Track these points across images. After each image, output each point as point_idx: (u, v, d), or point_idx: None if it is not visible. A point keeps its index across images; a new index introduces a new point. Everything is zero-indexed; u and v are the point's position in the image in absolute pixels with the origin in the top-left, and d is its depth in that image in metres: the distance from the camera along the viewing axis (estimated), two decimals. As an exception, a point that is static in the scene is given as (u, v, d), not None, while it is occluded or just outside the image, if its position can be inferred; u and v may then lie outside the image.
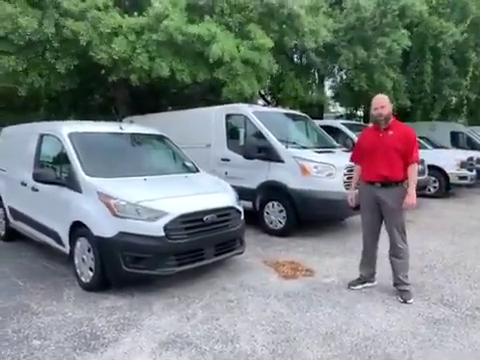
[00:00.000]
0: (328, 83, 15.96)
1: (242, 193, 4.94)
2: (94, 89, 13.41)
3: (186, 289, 3.87)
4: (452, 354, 2.78)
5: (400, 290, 3.67)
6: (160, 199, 3.80)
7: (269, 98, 16.50)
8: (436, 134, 12.15)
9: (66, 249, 4.14)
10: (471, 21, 12.99)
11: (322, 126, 8.02)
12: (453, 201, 9.54)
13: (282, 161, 5.90)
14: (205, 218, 3.88)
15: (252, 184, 6.13)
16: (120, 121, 9.10)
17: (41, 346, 2.86)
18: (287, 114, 7.60)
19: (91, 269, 3.77)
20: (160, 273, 3.67)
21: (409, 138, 3.57)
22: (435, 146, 10.99)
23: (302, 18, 8.91)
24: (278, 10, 8.77)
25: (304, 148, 6.24)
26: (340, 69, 13.97)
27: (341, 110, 20.89)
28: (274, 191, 6.01)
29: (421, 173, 7.78)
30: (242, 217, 4.45)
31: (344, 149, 6.95)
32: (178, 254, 3.74)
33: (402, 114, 12.49)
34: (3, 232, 5.73)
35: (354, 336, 3.00)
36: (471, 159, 9.88)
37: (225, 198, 4.33)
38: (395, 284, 3.73)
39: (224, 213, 4.15)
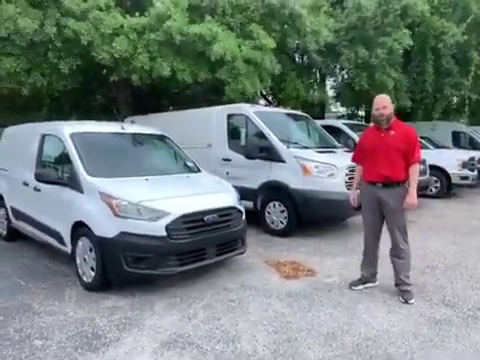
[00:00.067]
0: (329, 83, 15.96)
1: (243, 193, 4.94)
2: (96, 89, 13.44)
3: (188, 289, 3.88)
4: (454, 354, 2.78)
5: (401, 290, 3.66)
6: (162, 199, 3.80)
7: (270, 98, 16.49)
8: (437, 134, 12.12)
9: (68, 249, 4.15)
10: (472, 20, 12.95)
11: (323, 126, 8.02)
12: (455, 201, 9.52)
13: (283, 161, 5.90)
14: (206, 218, 3.88)
15: (253, 184, 6.13)
16: (122, 121, 9.11)
17: (43, 346, 2.87)
18: (288, 114, 7.60)
19: (93, 269, 3.77)
20: (162, 273, 3.68)
21: (411, 138, 3.56)
22: (437, 146, 10.97)
23: (304, 18, 8.90)
24: (279, 10, 8.77)
25: (305, 148, 6.24)
26: (341, 69, 13.96)
27: (342, 110, 20.85)
28: (275, 191, 6.01)
29: (423, 173, 7.77)
30: (243, 217, 4.46)
31: (345, 149, 6.94)
32: (180, 254, 3.74)
33: (403, 114, 12.46)
34: (5, 232, 5.74)
35: (355, 336, 3.00)
36: (473, 159, 9.87)
37: (226, 198, 4.34)
38: (396, 284, 3.72)
39: (225, 213, 4.15)
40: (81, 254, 3.92)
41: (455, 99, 16.26)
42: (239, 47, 8.30)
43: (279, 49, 9.36)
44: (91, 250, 3.78)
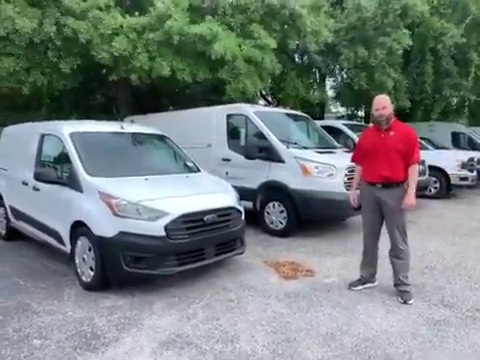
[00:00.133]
0: (329, 83, 15.97)
1: (243, 193, 4.94)
2: (95, 89, 13.45)
3: (187, 289, 3.88)
4: (452, 355, 2.78)
5: (400, 291, 3.66)
6: (161, 199, 3.80)
7: (270, 98, 16.50)
8: (437, 135, 12.14)
9: (67, 248, 4.14)
10: (471, 21, 12.96)
11: (323, 126, 8.02)
12: (454, 202, 9.52)
13: (283, 161, 5.90)
14: (206, 218, 3.88)
15: (253, 184, 6.13)
16: (121, 121, 9.11)
17: (42, 345, 2.87)
18: (288, 114, 7.60)
19: (92, 268, 3.77)
20: (161, 273, 3.68)
21: (410, 139, 3.56)
22: (436, 147, 10.98)
23: (304, 18, 8.91)
24: (280, 11, 8.77)
25: (305, 148, 6.24)
26: (341, 69, 13.97)
27: (342, 110, 20.88)
28: (275, 191, 6.01)
29: (422, 174, 7.78)
30: (243, 217, 4.46)
31: (345, 149, 6.95)
32: (179, 254, 3.74)
33: (402, 114, 12.47)
34: (4, 231, 5.74)
35: (354, 336, 3.00)
36: (472, 160, 9.87)
37: (226, 198, 4.34)
38: (395, 285, 3.73)
39: (225, 213, 4.15)
40: (80, 254, 3.92)
41: (454, 100, 16.26)
42: (239, 46, 8.31)
43: (279, 49, 9.37)
44: (90, 250, 3.77)
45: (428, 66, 13.20)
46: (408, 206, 3.53)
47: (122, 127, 4.99)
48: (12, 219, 5.43)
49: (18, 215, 5.22)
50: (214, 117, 6.89)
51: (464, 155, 10.13)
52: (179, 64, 8.40)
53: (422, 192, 8.02)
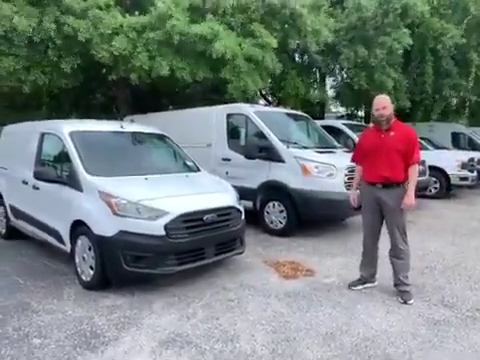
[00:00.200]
0: (329, 82, 15.96)
1: (243, 193, 4.94)
2: (95, 88, 13.43)
3: (186, 288, 3.88)
4: (452, 355, 2.78)
5: (400, 291, 3.66)
6: (161, 198, 3.80)
7: (270, 98, 16.49)
8: (437, 135, 12.14)
9: (67, 248, 4.14)
10: (471, 21, 12.95)
11: (323, 126, 8.02)
12: (454, 202, 9.53)
13: (283, 161, 5.90)
14: (205, 217, 3.88)
15: (253, 184, 6.13)
16: (121, 120, 9.10)
17: (41, 344, 2.87)
18: (288, 114, 7.60)
19: (92, 268, 3.77)
20: (160, 272, 3.68)
21: (410, 139, 3.56)
22: (436, 147, 10.99)
23: (304, 17, 8.90)
24: (280, 10, 8.77)
25: (305, 148, 6.24)
26: (341, 68, 13.96)
27: (342, 110, 20.87)
28: (275, 191, 6.01)
29: (422, 174, 7.78)
30: (243, 217, 4.45)
31: (345, 149, 6.95)
32: (178, 253, 3.74)
33: (402, 115, 12.47)
34: (4, 230, 5.73)
35: (354, 336, 3.00)
36: (472, 160, 9.88)
37: (226, 198, 4.34)
38: (395, 285, 3.73)
39: (225, 213, 4.15)
40: (80, 253, 3.92)
41: (454, 100, 16.26)
42: (239, 45, 8.30)
43: (280, 48, 9.37)
44: (90, 249, 3.77)
45: (428, 66, 13.20)
46: (407, 206, 3.53)
47: (122, 126, 4.99)
48: (12, 218, 5.43)
49: (18, 214, 5.21)
50: (214, 117, 6.89)
51: (464, 155, 10.14)
52: (179, 63, 8.39)
53: (422, 192, 8.02)
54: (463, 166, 9.65)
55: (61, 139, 4.43)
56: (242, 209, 4.46)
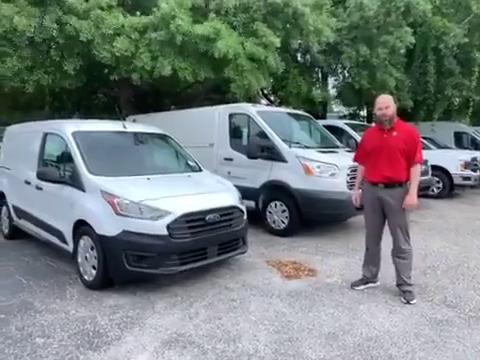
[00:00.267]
0: (331, 82, 15.91)
1: (245, 193, 4.94)
2: (98, 88, 13.45)
3: (189, 288, 3.88)
4: (455, 355, 2.77)
5: (403, 291, 3.66)
6: (163, 198, 3.80)
7: (272, 97, 16.47)
8: (440, 134, 12.10)
9: (69, 247, 4.15)
10: (474, 20, 12.89)
11: (325, 126, 8.01)
12: (457, 202, 9.50)
13: (285, 161, 5.89)
14: (208, 217, 3.88)
15: (255, 184, 6.13)
16: (123, 120, 9.10)
17: (44, 344, 2.88)
18: (290, 114, 7.59)
19: (94, 267, 3.78)
20: (163, 272, 3.68)
21: (413, 139, 3.55)
22: (439, 146, 10.95)
23: (306, 16, 8.89)
24: (283, 9, 8.76)
25: (307, 148, 6.24)
26: (343, 67, 13.93)
27: (344, 110, 20.81)
28: (277, 191, 6.00)
29: (424, 173, 7.76)
30: (245, 217, 4.45)
31: (347, 149, 6.94)
32: (181, 253, 3.74)
33: (405, 114, 12.43)
34: (7, 230, 5.76)
35: (357, 336, 3.00)
36: (475, 160, 9.85)
37: (228, 197, 4.34)
38: (398, 285, 3.72)
39: (227, 212, 4.15)
40: (83, 252, 3.93)
41: (457, 100, 16.19)
42: (242, 44, 8.30)
43: (282, 48, 9.36)
44: (93, 249, 3.78)
45: (430, 65, 13.14)
46: (409, 206, 3.52)
47: (124, 126, 4.99)
48: (15, 218, 5.45)
49: (21, 214, 5.23)
50: (216, 116, 6.89)
51: (467, 155, 10.11)
52: (181, 64, 8.39)
53: (425, 192, 7.99)
54: (466, 166, 9.62)
55: (64, 139, 4.45)
56: (244, 209, 4.46)
